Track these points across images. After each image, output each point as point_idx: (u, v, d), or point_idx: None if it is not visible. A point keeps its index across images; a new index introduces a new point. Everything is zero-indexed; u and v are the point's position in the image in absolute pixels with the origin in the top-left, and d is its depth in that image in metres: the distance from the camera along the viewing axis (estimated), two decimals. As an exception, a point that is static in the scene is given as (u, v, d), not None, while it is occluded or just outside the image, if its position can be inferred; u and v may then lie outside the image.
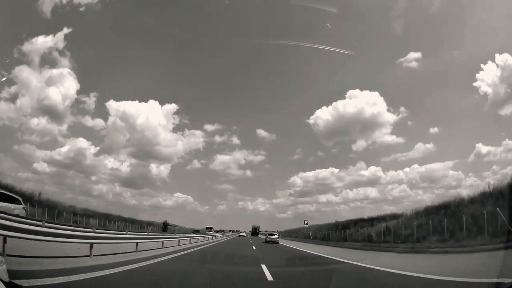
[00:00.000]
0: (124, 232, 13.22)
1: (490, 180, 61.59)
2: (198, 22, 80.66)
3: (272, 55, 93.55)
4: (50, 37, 62.58)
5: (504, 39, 52.86)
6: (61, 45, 63.43)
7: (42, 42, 61.70)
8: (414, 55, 68.47)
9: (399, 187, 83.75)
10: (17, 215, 11.49)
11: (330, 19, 72.08)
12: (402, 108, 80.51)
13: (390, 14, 60.63)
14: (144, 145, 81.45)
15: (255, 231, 73.31)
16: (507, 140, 59.84)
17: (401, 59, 71.28)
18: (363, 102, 75.71)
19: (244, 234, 65.42)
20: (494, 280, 5.00)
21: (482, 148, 67.39)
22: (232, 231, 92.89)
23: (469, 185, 71.07)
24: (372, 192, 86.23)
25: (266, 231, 60.43)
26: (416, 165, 78.34)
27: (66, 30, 62.21)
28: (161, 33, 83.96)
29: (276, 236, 34.45)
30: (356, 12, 67.47)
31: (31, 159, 73.92)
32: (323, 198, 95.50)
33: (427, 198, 77.24)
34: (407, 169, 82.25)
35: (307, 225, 51.65)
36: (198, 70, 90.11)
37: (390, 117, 77.26)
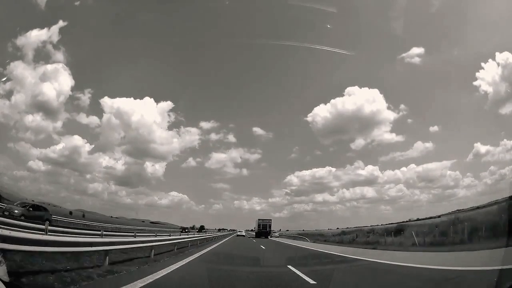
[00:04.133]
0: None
1: (487, 180, 62.44)
2: (196, 20, 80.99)
3: (270, 53, 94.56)
4: (44, 30, 61.43)
5: (504, 37, 53.48)
6: (55, 38, 62.29)
7: (36, 35, 60.44)
8: (417, 50, 68.74)
9: (396, 186, 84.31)
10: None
11: (330, 19, 72.71)
12: (402, 106, 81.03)
13: (390, 13, 61.45)
14: (139, 143, 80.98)
15: (263, 229, 45.44)
16: (505, 140, 60.33)
17: (403, 55, 71.52)
18: (363, 99, 75.75)
19: (243, 234, 49.63)
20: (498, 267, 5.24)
21: (481, 148, 67.80)
22: (222, 229, 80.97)
23: (466, 185, 71.41)
24: (369, 191, 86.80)
25: (241, 230, 53.55)
26: (413, 165, 78.77)
27: (61, 23, 61.13)
28: (158, 30, 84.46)
29: (277, 234, 47.61)
30: (356, 11, 68.20)
31: (26, 157, 73.30)
32: (319, 197, 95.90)
33: (424, 198, 77.88)
34: (404, 169, 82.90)
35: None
36: (195, 67, 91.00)
37: (390, 115, 77.57)
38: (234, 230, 67.98)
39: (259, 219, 46.66)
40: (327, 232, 52.19)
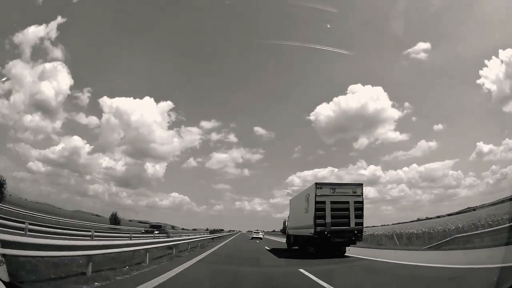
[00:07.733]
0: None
1: (489, 180, 62.15)
2: (196, 19, 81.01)
3: (271, 53, 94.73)
4: (42, 26, 60.10)
5: (507, 34, 53.23)
6: (53, 35, 60.93)
7: (34, 32, 58.94)
8: (423, 45, 67.95)
9: (398, 186, 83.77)
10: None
11: (331, 18, 72.67)
12: (406, 104, 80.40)
13: (393, 9, 61.18)
14: (139, 143, 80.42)
15: (338, 224, 11.59)
16: (507, 139, 60.09)
17: (409, 50, 71.02)
18: (367, 97, 74.77)
19: (261, 236, 40.48)
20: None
21: (483, 147, 67.48)
22: (219, 230, 67.12)
23: (468, 185, 71.07)
24: (371, 191, 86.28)
25: (258, 231, 45.98)
26: (415, 165, 78.23)
27: (60, 20, 59.82)
28: (159, 29, 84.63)
29: (260, 235, 40.32)
30: (357, 10, 68.15)
31: (26, 158, 72.72)
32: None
33: (425, 198, 77.55)
34: (406, 168, 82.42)
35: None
36: (196, 67, 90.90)
37: (395, 113, 77.02)
38: (233, 231, 65.06)
39: (317, 184, 12.55)
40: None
